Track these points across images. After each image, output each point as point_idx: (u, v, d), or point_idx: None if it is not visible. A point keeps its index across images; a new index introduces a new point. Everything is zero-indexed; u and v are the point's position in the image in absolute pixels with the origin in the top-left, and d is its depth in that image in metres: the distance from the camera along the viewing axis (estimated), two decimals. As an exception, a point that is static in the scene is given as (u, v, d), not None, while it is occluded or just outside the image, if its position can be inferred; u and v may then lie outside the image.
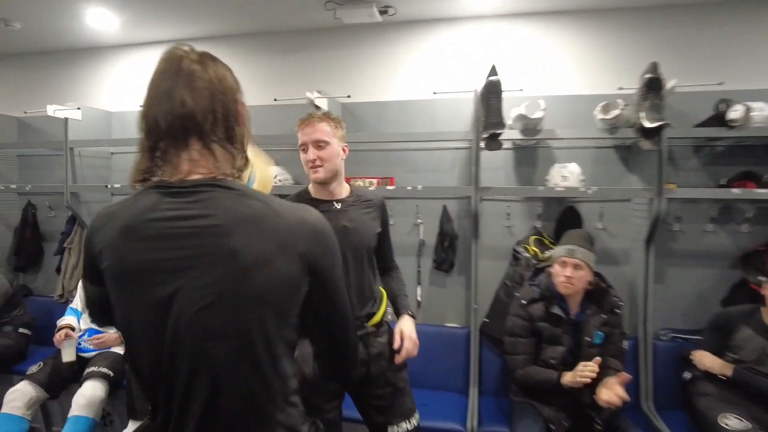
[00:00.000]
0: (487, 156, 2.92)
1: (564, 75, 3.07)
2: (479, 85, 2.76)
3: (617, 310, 2.30)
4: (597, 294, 2.29)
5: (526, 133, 2.72)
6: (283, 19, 3.32)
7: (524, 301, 2.33)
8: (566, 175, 2.76)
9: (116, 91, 3.87)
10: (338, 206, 1.83)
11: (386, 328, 1.96)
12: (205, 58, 0.96)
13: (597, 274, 2.32)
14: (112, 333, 2.91)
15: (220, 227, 0.87)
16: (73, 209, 3.47)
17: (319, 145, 1.74)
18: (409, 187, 2.88)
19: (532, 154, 3.07)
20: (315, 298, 0.96)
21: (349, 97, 2.92)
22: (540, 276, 2.41)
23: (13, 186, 3.68)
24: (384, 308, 1.94)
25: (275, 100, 2.98)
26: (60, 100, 3.61)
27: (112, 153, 3.82)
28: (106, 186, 3.38)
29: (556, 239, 2.92)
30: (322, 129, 1.74)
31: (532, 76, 3.07)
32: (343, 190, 1.88)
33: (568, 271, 2.21)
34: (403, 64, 3.30)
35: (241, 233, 0.87)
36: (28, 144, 3.87)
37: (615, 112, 2.59)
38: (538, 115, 2.65)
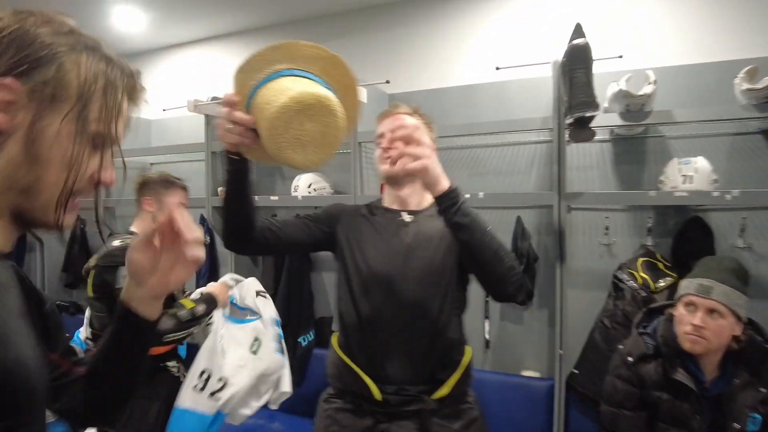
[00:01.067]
0: (575, 151, 2.28)
1: (682, 35, 2.27)
2: (559, 54, 2.06)
3: (785, 380, 1.48)
4: (751, 355, 1.49)
5: (630, 118, 1.99)
6: (313, 4, 2.97)
7: (631, 358, 1.59)
8: (690, 174, 1.98)
9: (154, 98, 3.65)
10: (407, 219, 1.40)
11: (465, 408, 1.37)
12: None
13: (750, 324, 1.52)
14: None
15: None
16: (107, 225, 3.24)
17: None
18: (467, 195, 2.23)
19: (638, 146, 2.32)
20: None
21: (388, 82, 2.36)
22: (655, 320, 1.65)
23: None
24: (461, 374, 1.34)
25: (301, 93, 2.51)
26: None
27: (151, 164, 3.57)
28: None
29: (675, 263, 2.19)
30: (406, 120, 1.38)
31: (633, 39, 2.32)
32: (422, 200, 1.44)
33: (697, 317, 1.44)
34: (461, 41, 2.74)
35: None
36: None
37: (768, 80, 1.78)
38: (646, 90, 1.92)
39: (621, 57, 2.01)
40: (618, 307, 2.17)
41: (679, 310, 1.52)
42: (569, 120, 1.90)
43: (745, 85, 1.84)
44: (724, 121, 2.01)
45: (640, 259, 2.20)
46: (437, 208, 1.16)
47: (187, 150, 3.02)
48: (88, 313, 2.75)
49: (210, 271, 3.11)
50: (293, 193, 2.75)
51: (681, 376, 1.49)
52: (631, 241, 2.35)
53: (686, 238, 2.19)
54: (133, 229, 2.04)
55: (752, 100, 1.84)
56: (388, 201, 1.46)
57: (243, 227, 1.24)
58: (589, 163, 2.39)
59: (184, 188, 2.06)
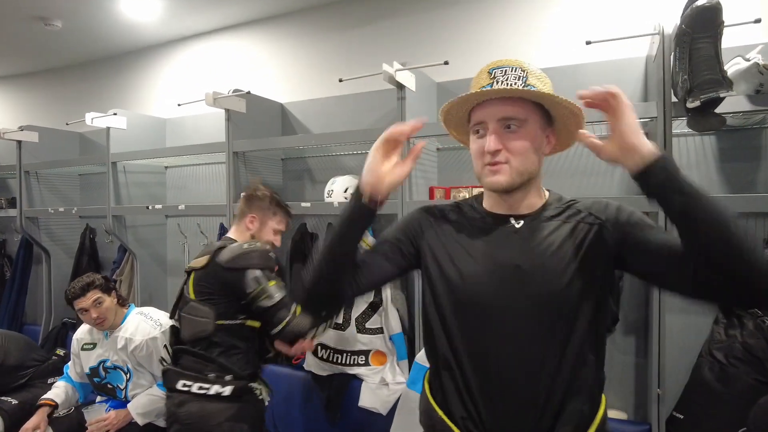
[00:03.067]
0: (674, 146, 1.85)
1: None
2: (668, 22, 1.65)
3: None
4: None
5: (760, 101, 1.56)
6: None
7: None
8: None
9: (169, 95, 3.34)
10: (517, 225, 1.05)
11: None
12: None
13: None
14: (113, 413, 2.24)
15: None
16: (116, 235, 2.89)
17: (508, 124, 1.00)
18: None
19: (750, 139, 1.91)
20: None
21: (446, 63, 1.96)
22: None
23: (62, 209, 3.20)
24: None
25: (340, 80, 2.13)
26: (116, 108, 3.11)
27: (166, 167, 3.23)
28: (147, 207, 2.73)
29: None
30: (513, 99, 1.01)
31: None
32: (535, 200, 1.08)
33: None
34: (541, 11, 2.32)
35: None
36: (66, 162, 3.40)
37: None
38: (790, 64, 1.49)
39: (759, 21, 1.56)
40: (735, 339, 1.75)
41: None
42: (694, 104, 1.49)
43: None
44: None
45: (758, 278, 1.79)
46: (644, 189, 0.86)
47: (206, 150, 2.66)
48: (75, 348, 2.39)
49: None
50: (327, 199, 2.38)
51: None
52: (743, 255, 1.93)
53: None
54: (230, 236, 1.97)
55: None
56: (489, 203, 1.11)
57: (337, 286, 1.06)
58: (686, 161, 1.98)
59: (290, 214, 2.07)
